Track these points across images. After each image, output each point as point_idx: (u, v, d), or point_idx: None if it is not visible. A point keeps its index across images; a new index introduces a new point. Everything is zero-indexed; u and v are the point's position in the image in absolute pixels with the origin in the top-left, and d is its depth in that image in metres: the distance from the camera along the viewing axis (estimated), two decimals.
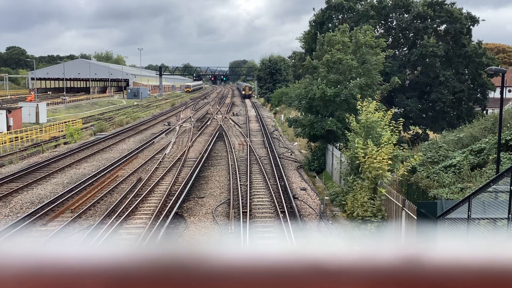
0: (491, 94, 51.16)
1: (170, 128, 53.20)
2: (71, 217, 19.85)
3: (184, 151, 36.16)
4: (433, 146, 24.34)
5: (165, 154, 35.46)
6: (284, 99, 62.37)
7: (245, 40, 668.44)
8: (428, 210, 12.73)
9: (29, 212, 20.49)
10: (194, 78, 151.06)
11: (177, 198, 22.91)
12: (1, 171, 29.54)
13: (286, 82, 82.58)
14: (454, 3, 45.51)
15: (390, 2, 46.26)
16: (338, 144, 28.68)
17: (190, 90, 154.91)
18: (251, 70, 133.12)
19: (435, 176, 20.00)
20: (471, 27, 45.60)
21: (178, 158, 33.50)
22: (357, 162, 19.90)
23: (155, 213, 20.44)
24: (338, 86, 29.11)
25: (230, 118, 65.01)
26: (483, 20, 47.19)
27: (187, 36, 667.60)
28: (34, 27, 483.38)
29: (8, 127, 46.18)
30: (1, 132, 43.49)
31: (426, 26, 44.09)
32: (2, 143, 38.37)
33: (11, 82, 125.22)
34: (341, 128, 27.42)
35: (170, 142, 41.29)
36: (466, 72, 45.16)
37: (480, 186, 10.93)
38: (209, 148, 38.07)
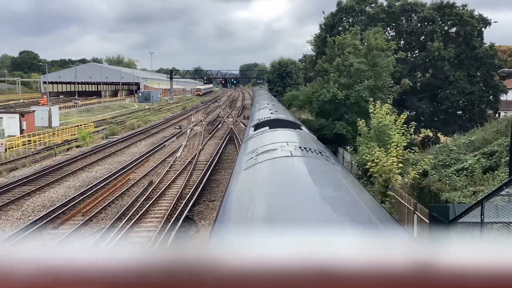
0: (503, 97, 50.67)
1: (181, 131, 53.35)
2: (82, 220, 19.97)
3: (195, 154, 36.23)
4: (444, 149, 24.15)
5: (176, 157, 35.55)
6: (294, 102, 62.25)
7: (261, 43, 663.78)
8: (440, 214, 12.60)
9: (41, 215, 20.64)
10: (205, 82, 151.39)
11: (188, 201, 22.94)
12: (14, 174, 29.82)
13: (297, 85, 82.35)
14: (465, 5, 45.26)
15: (398, 3, 46.13)
16: (348, 147, 28.58)
17: (200, 93, 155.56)
18: (262, 73, 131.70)
19: (447, 180, 19.82)
20: (482, 29, 45.31)
21: (189, 161, 33.56)
22: (368, 164, 19.82)
23: (165, 216, 20.49)
24: (349, 89, 29.08)
25: (241, 121, 65.03)
26: (495, 21, 46.93)
27: (203, 39, 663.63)
28: (55, 31, 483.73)
29: (21, 131, 46.62)
30: (15, 136, 43.92)
31: (434, 30, 43.91)
32: (15, 147, 38.73)
33: (23, 86, 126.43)
34: (351, 132, 27.33)
35: (181, 145, 41.41)
36: (478, 74, 44.85)
37: (493, 189, 10.82)
38: (220, 151, 38.10)
